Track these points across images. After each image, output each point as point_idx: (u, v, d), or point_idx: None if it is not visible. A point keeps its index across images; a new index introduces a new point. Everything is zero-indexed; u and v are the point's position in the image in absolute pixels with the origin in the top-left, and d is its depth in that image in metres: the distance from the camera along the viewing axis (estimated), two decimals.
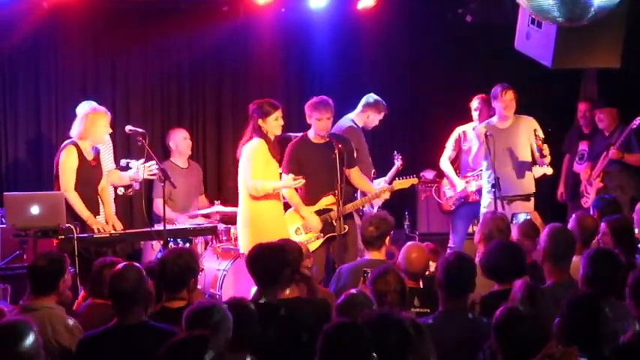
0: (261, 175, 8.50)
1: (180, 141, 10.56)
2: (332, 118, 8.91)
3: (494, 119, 9.39)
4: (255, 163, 8.51)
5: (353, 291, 5.24)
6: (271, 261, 5.87)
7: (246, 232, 8.57)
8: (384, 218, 7.35)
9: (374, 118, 9.91)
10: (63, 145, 8.43)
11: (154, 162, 8.56)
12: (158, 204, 9.99)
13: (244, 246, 8.53)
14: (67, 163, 8.30)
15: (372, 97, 9.94)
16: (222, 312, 4.67)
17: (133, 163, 8.74)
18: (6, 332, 4.35)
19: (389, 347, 4.33)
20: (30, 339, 4.33)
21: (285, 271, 5.89)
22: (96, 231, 8.22)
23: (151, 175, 8.60)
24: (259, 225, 8.51)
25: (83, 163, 8.39)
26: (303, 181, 8.51)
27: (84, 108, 8.78)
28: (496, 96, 9.29)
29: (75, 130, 8.44)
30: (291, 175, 8.50)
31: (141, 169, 8.58)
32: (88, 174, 8.45)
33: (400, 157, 10.40)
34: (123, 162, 8.87)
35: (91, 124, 8.42)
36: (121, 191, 8.99)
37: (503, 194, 9.08)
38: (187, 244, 8.45)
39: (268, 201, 8.60)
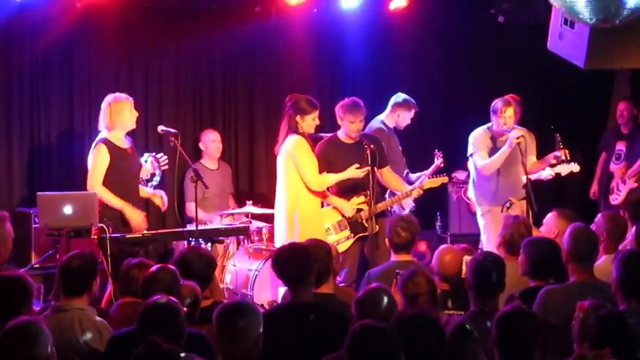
0: (315, 168, 8.46)
1: (208, 143, 10.57)
2: (364, 120, 8.87)
3: (494, 127, 9.28)
4: (308, 159, 8.46)
5: (373, 285, 5.15)
6: (302, 261, 5.78)
7: (294, 230, 8.47)
8: (412, 221, 7.26)
9: (405, 117, 9.84)
10: (94, 143, 8.41)
11: (162, 154, 8.63)
12: (190, 207, 9.98)
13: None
14: (97, 162, 8.28)
15: (400, 96, 9.88)
16: (253, 310, 4.63)
17: (150, 157, 8.77)
18: (18, 335, 4.30)
19: (425, 348, 4.30)
20: (42, 341, 4.29)
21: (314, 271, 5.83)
22: (130, 221, 8.24)
23: (162, 166, 8.63)
24: (309, 222, 8.47)
25: (118, 154, 8.34)
26: (368, 168, 8.45)
27: (105, 100, 8.66)
28: (496, 111, 9.15)
29: (102, 123, 8.41)
30: (356, 164, 8.44)
31: (149, 161, 8.62)
32: (126, 163, 8.41)
33: (441, 155, 10.32)
34: (145, 156, 8.89)
35: (116, 113, 8.37)
36: (152, 185, 8.98)
37: (501, 203, 9.08)
38: (209, 244, 8.40)
39: (317, 198, 8.59)
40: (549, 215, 7.60)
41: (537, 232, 7.56)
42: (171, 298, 4.85)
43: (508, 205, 8.63)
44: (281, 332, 5.26)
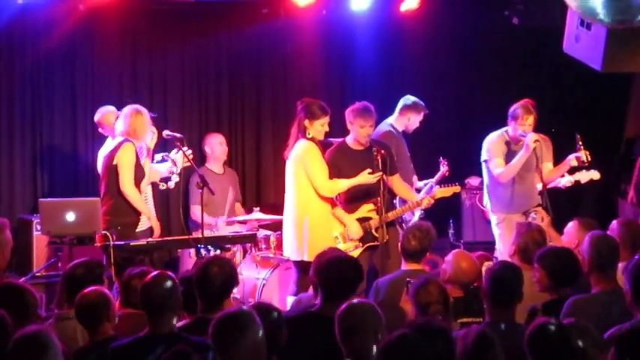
0: (326, 174, 8.44)
1: (215, 145, 10.60)
2: (374, 125, 8.85)
3: (510, 132, 9.23)
4: (319, 164, 8.44)
5: (355, 300, 5.09)
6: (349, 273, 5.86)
7: (303, 238, 8.42)
8: (427, 232, 7.18)
9: (414, 120, 9.85)
10: (118, 143, 8.42)
11: (186, 149, 8.67)
12: (195, 210, 10.02)
13: (299, 253, 8.39)
14: (127, 160, 8.33)
15: (409, 98, 9.88)
16: (252, 318, 4.61)
17: (167, 157, 8.80)
18: (27, 344, 4.32)
19: (435, 358, 4.28)
20: (52, 352, 4.31)
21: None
22: (156, 233, 8.39)
23: (187, 161, 8.66)
24: (319, 230, 8.43)
25: (137, 162, 8.44)
26: (381, 173, 8.42)
27: (127, 108, 8.68)
28: (516, 117, 9.03)
29: (123, 130, 8.44)
30: (368, 169, 8.40)
31: (178, 159, 8.68)
32: (139, 174, 8.47)
33: (446, 162, 10.33)
34: (158, 156, 8.91)
35: (142, 125, 8.51)
36: (163, 186, 9.00)
37: (518, 210, 9.09)
38: (218, 251, 8.39)
39: (327, 205, 8.55)
40: (570, 224, 7.57)
41: (558, 239, 7.54)
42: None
43: (534, 215, 8.57)
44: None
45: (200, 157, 10.63)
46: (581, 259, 6.15)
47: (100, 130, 9.16)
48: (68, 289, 5.99)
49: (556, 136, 9.75)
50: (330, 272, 5.81)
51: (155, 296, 5.31)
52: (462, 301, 6.27)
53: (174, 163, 8.73)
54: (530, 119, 9.00)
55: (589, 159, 8.97)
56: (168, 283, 5.40)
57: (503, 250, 9.16)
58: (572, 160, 9.05)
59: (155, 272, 5.59)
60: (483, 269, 6.58)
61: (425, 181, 9.99)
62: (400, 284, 6.22)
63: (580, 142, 8.98)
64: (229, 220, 10.13)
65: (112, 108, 9.08)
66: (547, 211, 8.67)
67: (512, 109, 9.10)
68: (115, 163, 8.34)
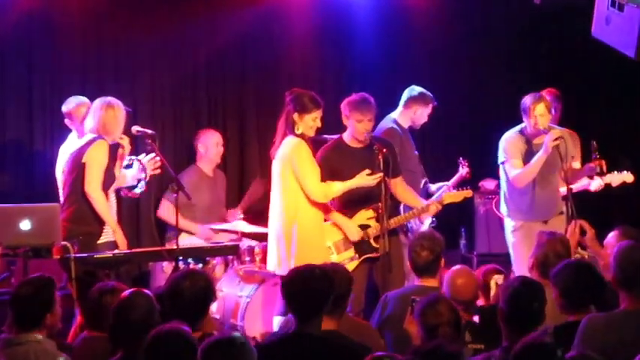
0: (318, 175, 8.39)
1: (211, 146, 10.56)
2: (374, 119, 8.79)
3: (528, 128, 9.20)
4: (309, 164, 8.39)
5: (379, 354, 4.97)
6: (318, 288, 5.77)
7: (290, 248, 8.35)
8: (434, 238, 7.24)
9: (422, 114, 9.81)
10: (89, 139, 8.43)
11: (153, 154, 8.67)
12: (165, 207, 9.95)
13: (286, 265, 8.25)
14: (99, 159, 8.38)
15: (415, 89, 9.84)
16: (244, 345, 4.61)
17: (135, 160, 8.78)
18: None
19: None
20: None
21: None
22: (121, 247, 8.34)
23: (154, 170, 8.68)
24: (309, 239, 8.38)
25: (109, 163, 8.46)
26: (381, 175, 8.35)
27: (97, 101, 8.71)
28: (525, 110, 9.09)
29: (93, 126, 8.47)
30: (367, 170, 8.34)
31: (147, 165, 8.68)
32: (110, 176, 8.50)
33: (466, 164, 10.26)
34: (127, 160, 8.87)
35: (115, 120, 8.55)
36: (124, 192, 8.97)
37: (538, 218, 9.16)
38: (200, 265, 8.35)
39: (319, 211, 8.50)
40: (611, 235, 7.53)
41: (599, 248, 7.50)
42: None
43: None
44: None
45: (174, 158, 10.59)
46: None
47: (67, 121, 9.11)
48: (14, 313, 5.94)
49: (585, 133, 9.73)
50: (294, 287, 5.75)
51: (133, 318, 5.31)
52: (468, 324, 6.25)
53: (144, 169, 8.69)
54: (540, 109, 9.00)
55: (605, 171, 9.00)
56: (146, 303, 5.43)
57: (517, 261, 9.17)
58: (586, 170, 9.14)
59: (130, 291, 5.57)
60: (492, 284, 6.55)
61: (439, 184, 9.93)
62: (410, 300, 6.19)
63: (596, 153, 8.93)
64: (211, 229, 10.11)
65: (85, 99, 9.05)
66: (572, 217, 8.61)
67: (522, 101, 9.11)
68: (83, 161, 8.37)
